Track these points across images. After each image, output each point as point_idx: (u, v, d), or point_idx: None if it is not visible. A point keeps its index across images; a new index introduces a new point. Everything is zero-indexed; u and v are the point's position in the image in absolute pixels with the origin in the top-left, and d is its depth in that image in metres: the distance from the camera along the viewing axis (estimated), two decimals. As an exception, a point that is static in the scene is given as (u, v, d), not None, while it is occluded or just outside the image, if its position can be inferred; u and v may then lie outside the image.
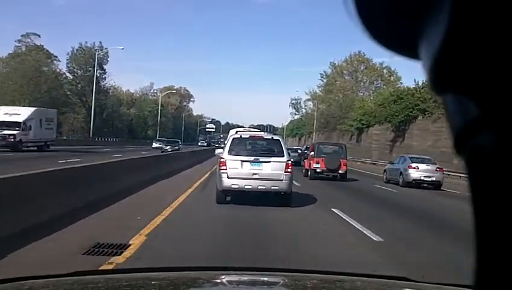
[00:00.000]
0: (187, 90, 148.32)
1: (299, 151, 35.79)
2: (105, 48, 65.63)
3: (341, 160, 22.76)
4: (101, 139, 64.86)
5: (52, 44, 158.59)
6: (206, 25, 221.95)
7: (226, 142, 13.08)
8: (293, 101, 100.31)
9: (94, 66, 59.80)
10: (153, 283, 1.98)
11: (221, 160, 11.47)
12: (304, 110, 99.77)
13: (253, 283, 2.07)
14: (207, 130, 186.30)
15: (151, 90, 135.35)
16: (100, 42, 68.88)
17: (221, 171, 11.26)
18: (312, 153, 23.79)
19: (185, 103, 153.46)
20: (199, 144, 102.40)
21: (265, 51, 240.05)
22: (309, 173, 23.42)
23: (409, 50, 0.38)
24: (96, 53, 60.53)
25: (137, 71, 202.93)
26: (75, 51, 69.26)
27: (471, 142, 0.35)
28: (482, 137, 0.34)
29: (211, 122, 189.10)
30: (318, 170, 22.84)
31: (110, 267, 5.59)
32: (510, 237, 0.32)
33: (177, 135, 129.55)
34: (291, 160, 12.11)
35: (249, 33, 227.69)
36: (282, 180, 11.15)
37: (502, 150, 0.32)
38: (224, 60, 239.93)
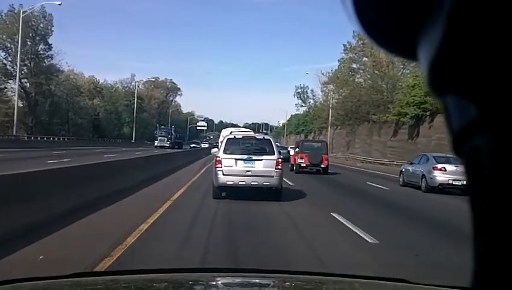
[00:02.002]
0: (173, 83, 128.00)
1: (289, 149, 36.28)
2: (34, 7, 44.67)
3: (323, 155, 24.24)
4: (40, 138, 45.27)
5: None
6: (198, 25, 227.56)
7: (218, 141, 15.46)
8: (299, 90, 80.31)
9: (20, 31, 39.50)
10: (150, 284, 2.01)
11: (217, 158, 11.93)
12: (311, 101, 79.94)
13: (248, 285, 2.08)
14: (198, 128, 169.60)
15: (133, 83, 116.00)
16: (42, 6, 48.54)
17: (217, 168, 11.71)
18: (297, 149, 25.50)
19: (171, 98, 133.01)
20: (157, 143, 64.03)
21: (261, 49, 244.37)
22: (294, 167, 24.70)
23: (407, 51, 0.38)
24: (22, 11, 40.09)
25: (128, 71, 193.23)
26: (3, 17, 49.13)
27: (469, 144, 0.34)
28: (481, 138, 0.33)
29: (203, 120, 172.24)
30: (302, 165, 24.09)
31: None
32: (509, 239, 0.32)
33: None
34: (281, 157, 12.67)
35: (244, 32, 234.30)
36: (273, 176, 11.71)
37: (501, 152, 0.32)
38: (219, 59, 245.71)
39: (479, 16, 0.31)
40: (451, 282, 2.21)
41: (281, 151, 21.28)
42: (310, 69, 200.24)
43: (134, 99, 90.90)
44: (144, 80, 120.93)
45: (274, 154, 11.86)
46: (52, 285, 1.85)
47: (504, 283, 0.32)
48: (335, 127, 62.60)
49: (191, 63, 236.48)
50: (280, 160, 11.93)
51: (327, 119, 64.64)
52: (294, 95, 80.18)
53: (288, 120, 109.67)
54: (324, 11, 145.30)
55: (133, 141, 78.80)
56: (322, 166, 24.00)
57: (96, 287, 1.92)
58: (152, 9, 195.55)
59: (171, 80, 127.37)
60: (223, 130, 17.78)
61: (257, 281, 2.11)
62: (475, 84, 0.32)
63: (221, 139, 14.67)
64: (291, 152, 31.61)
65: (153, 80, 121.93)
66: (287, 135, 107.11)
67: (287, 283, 2.11)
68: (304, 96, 79.44)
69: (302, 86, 79.80)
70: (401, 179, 19.89)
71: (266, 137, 13.08)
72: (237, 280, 2.14)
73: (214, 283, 2.06)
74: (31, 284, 1.82)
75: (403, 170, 20.21)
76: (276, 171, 11.71)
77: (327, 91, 65.23)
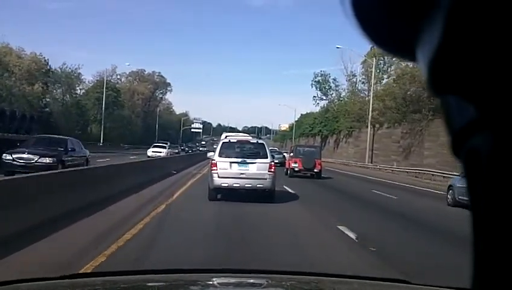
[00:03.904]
0: (162, 76, 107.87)
1: (284, 154, 35.31)
2: None
3: (316, 160, 24.26)
4: None
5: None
6: (197, 27, 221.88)
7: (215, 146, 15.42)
8: (318, 78, 60.44)
9: None
10: (147, 285, 2.00)
11: (213, 161, 12.13)
12: (334, 94, 60.22)
13: (245, 285, 2.08)
14: (192, 130, 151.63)
15: (113, 76, 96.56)
16: None
17: (213, 171, 11.90)
18: (291, 154, 25.64)
19: (161, 95, 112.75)
20: None
21: (260, 52, 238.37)
22: (288, 171, 24.64)
23: (406, 51, 0.37)
24: None
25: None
26: None
27: (468, 144, 0.34)
28: (480, 139, 0.33)
29: (200, 123, 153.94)
30: (296, 169, 24.22)
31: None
32: (509, 240, 0.31)
33: (150, 136, 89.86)
34: (276, 161, 14.01)
35: (244, 36, 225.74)
36: (266, 179, 11.87)
37: (499, 152, 0.31)
38: (218, 61, 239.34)
39: (477, 16, 0.30)
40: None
41: (276, 156, 27.09)
42: (310, 73, 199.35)
43: (108, 92, 71.37)
44: (127, 73, 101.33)
45: (267, 158, 12.11)
46: (50, 286, 1.83)
47: (504, 283, 0.31)
48: (377, 125, 43.01)
49: (189, 65, 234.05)
50: (273, 163, 12.25)
51: (363, 116, 45.11)
52: (311, 85, 60.57)
53: (297, 120, 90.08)
54: (325, 14, 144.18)
55: (100, 144, 59.28)
56: (315, 170, 24.25)
57: (95, 288, 1.90)
58: (152, 12, 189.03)
59: (159, 73, 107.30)
60: (223, 134, 15.50)
61: (254, 281, 2.09)
62: (473, 85, 0.31)
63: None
64: (287, 156, 31.39)
65: (138, 72, 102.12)
66: (296, 138, 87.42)
67: (284, 283, 2.10)
68: (325, 87, 59.66)
69: (322, 72, 60.06)
70: (449, 197, 14.62)
71: (260, 141, 13.37)
72: (234, 281, 2.12)
73: (211, 283, 2.03)
74: (28, 285, 1.79)
75: (453, 185, 14.54)
76: (269, 174, 11.92)
77: (368, 72, 45.62)
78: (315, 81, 59.91)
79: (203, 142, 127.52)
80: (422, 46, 0.34)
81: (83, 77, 65.57)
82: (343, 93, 57.67)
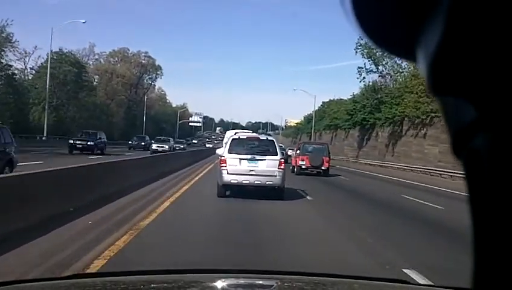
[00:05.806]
0: (150, 57, 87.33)
1: (287, 150, 35.60)
2: None
3: (324, 157, 23.91)
4: None
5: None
6: (197, 23, 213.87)
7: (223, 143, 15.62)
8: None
9: None
10: (149, 285, 1.96)
11: (222, 158, 12.08)
12: (387, 63, 39.98)
13: (248, 286, 2.07)
14: (191, 124, 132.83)
15: (91, 56, 76.98)
16: None
17: (222, 168, 11.87)
18: (298, 151, 25.28)
19: (150, 81, 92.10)
20: None
21: (264, 49, 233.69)
22: (295, 169, 24.27)
23: (406, 52, 0.37)
24: None
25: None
26: None
27: (468, 145, 0.34)
28: (480, 140, 0.33)
29: (201, 117, 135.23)
30: (303, 167, 23.74)
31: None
32: (508, 240, 0.31)
33: (137, 130, 70.00)
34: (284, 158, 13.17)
35: (247, 32, 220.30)
36: (276, 176, 11.85)
37: (499, 153, 0.31)
38: (221, 57, 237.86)
39: (477, 18, 0.30)
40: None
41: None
42: (314, 70, 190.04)
43: (67, 68, 51.91)
44: (108, 52, 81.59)
45: (277, 155, 12.07)
46: (50, 287, 1.82)
47: (504, 283, 0.31)
48: None
49: (190, 61, 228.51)
50: (283, 160, 12.22)
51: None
52: (355, 51, 40.09)
53: (317, 109, 70.34)
54: (327, 11, 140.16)
55: (43, 138, 39.85)
56: (323, 168, 23.79)
57: (95, 288, 1.87)
58: (155, 8, 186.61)
59: (146, 52, 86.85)
60: (227, 132, 17.35)
61: (258, 282, 2.07)
62: (473, 86, 0.31)
63: (225, 140, 14.73)
64: (289, 153, 32.83)
65: (120, 51, 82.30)
66: (317, 131, 67.66)
67: (287, 284, 2.09)
68: (375, 54, 39.12)
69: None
70: None
71: (269, 138, 13.16)
72: (237, 281, 2.08)
73: (214, 284, 1.99)
74: (29, 285, 1.77)
75: None
76: (279, 171, 11.86)
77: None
78: (360, 45, 39.45)
79: (194, 141, 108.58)
80: (423, 47, 0.34)
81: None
82: (403, 64, 37.68)
